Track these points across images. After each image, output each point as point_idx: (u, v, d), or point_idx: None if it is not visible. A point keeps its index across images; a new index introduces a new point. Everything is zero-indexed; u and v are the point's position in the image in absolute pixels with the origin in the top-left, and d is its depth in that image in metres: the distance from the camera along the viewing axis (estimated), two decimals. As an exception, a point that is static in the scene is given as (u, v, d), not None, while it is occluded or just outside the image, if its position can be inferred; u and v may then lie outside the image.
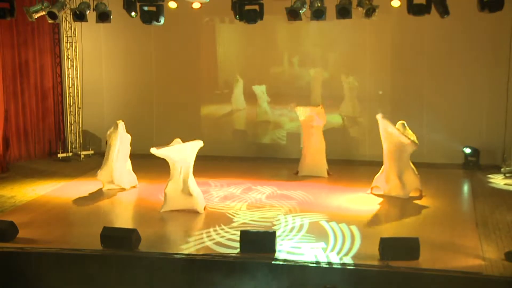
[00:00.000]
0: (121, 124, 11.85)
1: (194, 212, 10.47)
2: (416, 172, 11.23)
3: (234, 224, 9.89)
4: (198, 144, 10.41)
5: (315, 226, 9.82)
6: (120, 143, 11.82)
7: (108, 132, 12.00)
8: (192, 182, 10.50)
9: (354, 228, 9.60)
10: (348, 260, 8.42)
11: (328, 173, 12.92)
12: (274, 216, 10.26)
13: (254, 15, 11.00)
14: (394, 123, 11.19)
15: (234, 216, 10.34)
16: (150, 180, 12.45)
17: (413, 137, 11.11)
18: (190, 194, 10.42)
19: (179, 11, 12.55)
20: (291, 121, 14.72)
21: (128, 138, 11.99)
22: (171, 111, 15.02)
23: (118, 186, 11.95)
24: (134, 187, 12.18)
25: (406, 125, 11.19)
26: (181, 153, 10.35)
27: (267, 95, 14.80)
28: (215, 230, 9.61)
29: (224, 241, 9.17)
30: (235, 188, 12.11)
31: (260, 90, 14.79)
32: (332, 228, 9.66)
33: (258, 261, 8.39)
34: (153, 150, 10.14)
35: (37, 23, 13.59)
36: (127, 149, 12.00)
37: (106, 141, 12.14)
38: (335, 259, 8.45)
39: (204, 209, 10.63)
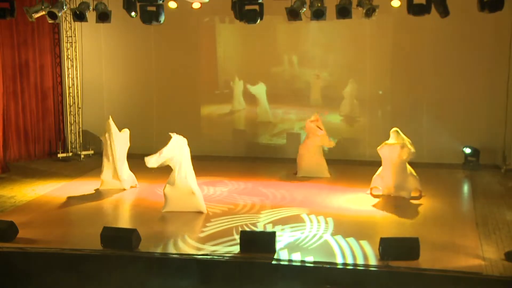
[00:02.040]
0: (111, 123, 11.79)
1: (195, 213, 10.47)
2: (415, 173, 11.22)
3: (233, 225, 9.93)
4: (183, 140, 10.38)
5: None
6: (117, 141, 11.80)
7: (105, 137, 11.93)
8: (193, 182, 10.51)
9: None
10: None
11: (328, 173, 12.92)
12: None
13: (254, 15, 10.99)
14: (394, 123, 11.19)
15: (233, 215, 10.39)
16: (150, 180, 12.43)
17: (409, 144, 11.01)
18: (192, 195, 10.42)
19: (179, 11, 12.57)
20: (291, 121, 14.72)
21: (125, 133, 11.93)
22: (171, 111, 15.02)
23: (117, 185, 11.96)
24: (134, 187, 12.18)
25: (399, 131, 11.11)
26: (176, 149, 10.31)
27: (266, 95, 14.83)
28: (214, 230, 9.64)
29: (223, 241, 9.19)
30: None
31: (260, 89, 14.79)
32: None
33: (258, 261, 8.40)
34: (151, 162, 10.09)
35: (37, 23, 13.60)
36: (126, 146, 11.97)
37: (102, 143, 12.07)
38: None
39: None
